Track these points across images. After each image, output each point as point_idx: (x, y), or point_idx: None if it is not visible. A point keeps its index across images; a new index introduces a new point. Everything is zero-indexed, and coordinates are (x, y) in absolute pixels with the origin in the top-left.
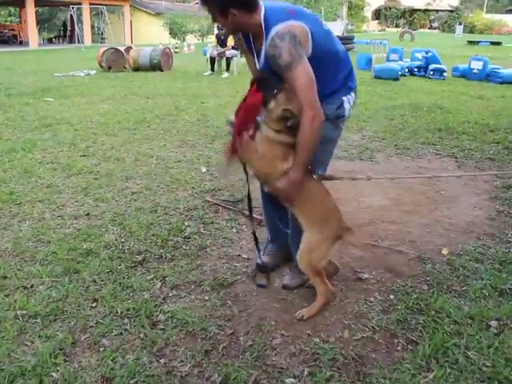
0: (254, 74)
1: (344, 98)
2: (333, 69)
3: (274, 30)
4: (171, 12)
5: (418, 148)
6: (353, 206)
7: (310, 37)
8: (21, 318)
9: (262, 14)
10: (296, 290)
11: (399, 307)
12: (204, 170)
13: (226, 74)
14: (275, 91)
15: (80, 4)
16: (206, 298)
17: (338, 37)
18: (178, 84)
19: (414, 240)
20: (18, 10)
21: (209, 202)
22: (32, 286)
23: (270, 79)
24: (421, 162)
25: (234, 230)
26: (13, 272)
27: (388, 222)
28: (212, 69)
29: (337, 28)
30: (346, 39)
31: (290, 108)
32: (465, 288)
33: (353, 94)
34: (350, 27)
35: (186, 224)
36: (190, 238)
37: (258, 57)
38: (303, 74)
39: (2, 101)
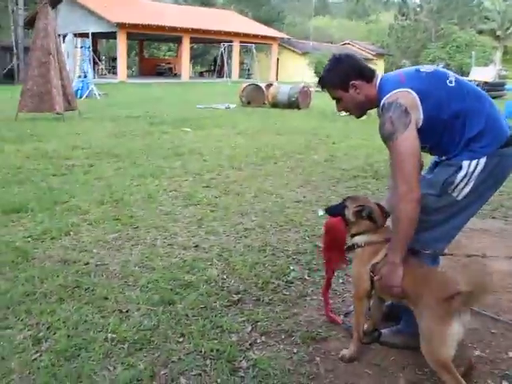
0: None
1: (464, 163)
2: (450, 131)
3: (381, 102)
4: (317, 52)
5: None
6: (475, 268)
7: (418, 102)
8: (109, 342)
9: (378, 84)
10: (394, 358)
11: None
12: (321, 213)
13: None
14: (343, 203)
15: (231, 42)
16: (295, 350)
17: (486, 83)
18: (313, 123)
19: None
20: (176, 45)
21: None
22: (127, 311)
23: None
24: None
25: (340, 281)
26: (114, 294)
27: None
28: None
29: (488, 74)
30: (496, 85)
31: (358, 203)
32: None
33: (485, 159)
34: (503, 73)
35: (292, 268)
36: (292, 283)
37: None
38: (403, 145)
39: (145, 128)
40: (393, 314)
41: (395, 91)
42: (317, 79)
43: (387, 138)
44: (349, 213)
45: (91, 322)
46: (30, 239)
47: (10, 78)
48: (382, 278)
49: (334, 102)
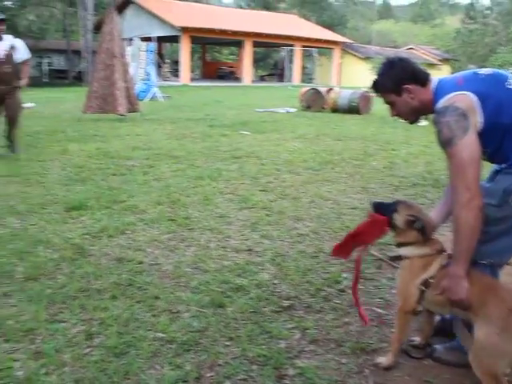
0: None
1: None
2: (510, 136)
3: (436, 107)
4: (380, 56)
5: None
6: None
7: (476, 104)
8: (158, 341)
9: (434, 88)
10: (447, 375)
11: None
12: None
13: (423, 122)
14: (394, 206)
15: (293, 46)
16: (344, 360)
17: None
18: (372, 128)
19: None
20: (238, 49)
21: (374, 256)
22: (178, 312)
23: (385, 204)
24: None
25: (394, 291)
26: (165, 294)
27: None
28: None
29: None
30: None
31: (412, 213)
32: None
33: None
34: None
35: (344, 276)
36: (344, 291)
37: None
38: (464, 150)
39: (205, 131)
40: (445, 329)
41: (452, 94)
42: None
43: (446, 144)
44: (399, 219)
45: (142, 320)
46: (88, 236)
47: (79, 79)
48: (446, 291)
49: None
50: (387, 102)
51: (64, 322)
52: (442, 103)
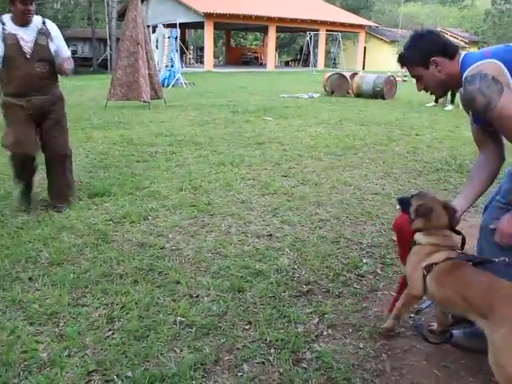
0: (474, 138)
1: None
2: None
3: (463, 77)
4: (406, 40)
5: None
6: None
7: (504, 70)
8: (178, 325)
9: (460, 61)
10: (465, 361)
11: None
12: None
13: (449, 107)
14: (411, 198)
15: (317, 30)
16: (361, 345)
17: None
18: (397, 113)
19: None
20: (262, 35)
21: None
22: (197, 296)
23: (409, 199)
24: None
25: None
26: (185, 279)
27: None
28: (436, 100)
29: None
30: None
31: (421, 202)
32: None
33: None
34: None
35: (364, 261)
36: (363, 276)
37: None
38: (506, 108)
39: (228, 117)
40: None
41: (478, 63)
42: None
43: (485, 111)
44: (411, 209)
45: (162, 304)
46: (110, 222)
47: (104, 67)
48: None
49: (420, 92)
50: (413, 76)
51: (86, 305)
52: (468, 71)
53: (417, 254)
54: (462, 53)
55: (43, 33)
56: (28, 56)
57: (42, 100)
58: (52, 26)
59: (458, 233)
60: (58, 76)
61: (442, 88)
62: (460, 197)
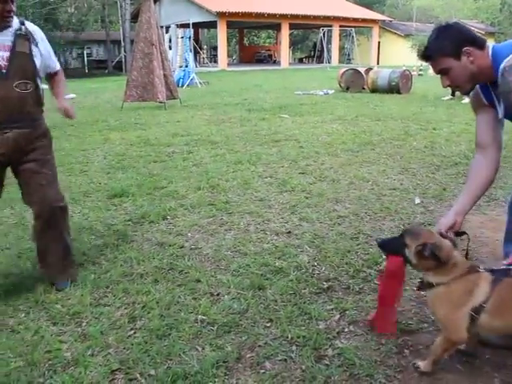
0: (479, 139)
1: None
2: None
3: (501, 68)
4: (422, 33)
5: None
6: None
7: None
8: (199, 323)
9: (490, 53)
10: (489, 356)
11: None
12: (418, 201)
13: (466, 100)
14: (402, 238)
15: (331, 26)
16: (383, 341)
17: None
18: (413, 108)
19: None
20: (275, 32)
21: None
22: (218, 295)
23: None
24: None
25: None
26: (206, 278)
27: None
28: (453, 93)
29: None
30: None
31: (423, 242)
32: None
33: None
34: None
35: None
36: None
37: (500, 106)
38: None
39: (243, 115)
40: None
41: None
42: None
43: None
44: (410, 253)
45: (183, 303)
46: (130, 222)
47: (118, 69)
48: None
49: (436, 86)
50: (440, 71)
51: (108, 305)
52: (506, 62)
53: (448, 297)
54: (490, 44)
55: (23, 35)
56: (3, 71)
57: (20, 135)
58: (34, 28)
59: (462, 233)
60: (44, 102)
61: (472, 81)
62: (463, 194)
